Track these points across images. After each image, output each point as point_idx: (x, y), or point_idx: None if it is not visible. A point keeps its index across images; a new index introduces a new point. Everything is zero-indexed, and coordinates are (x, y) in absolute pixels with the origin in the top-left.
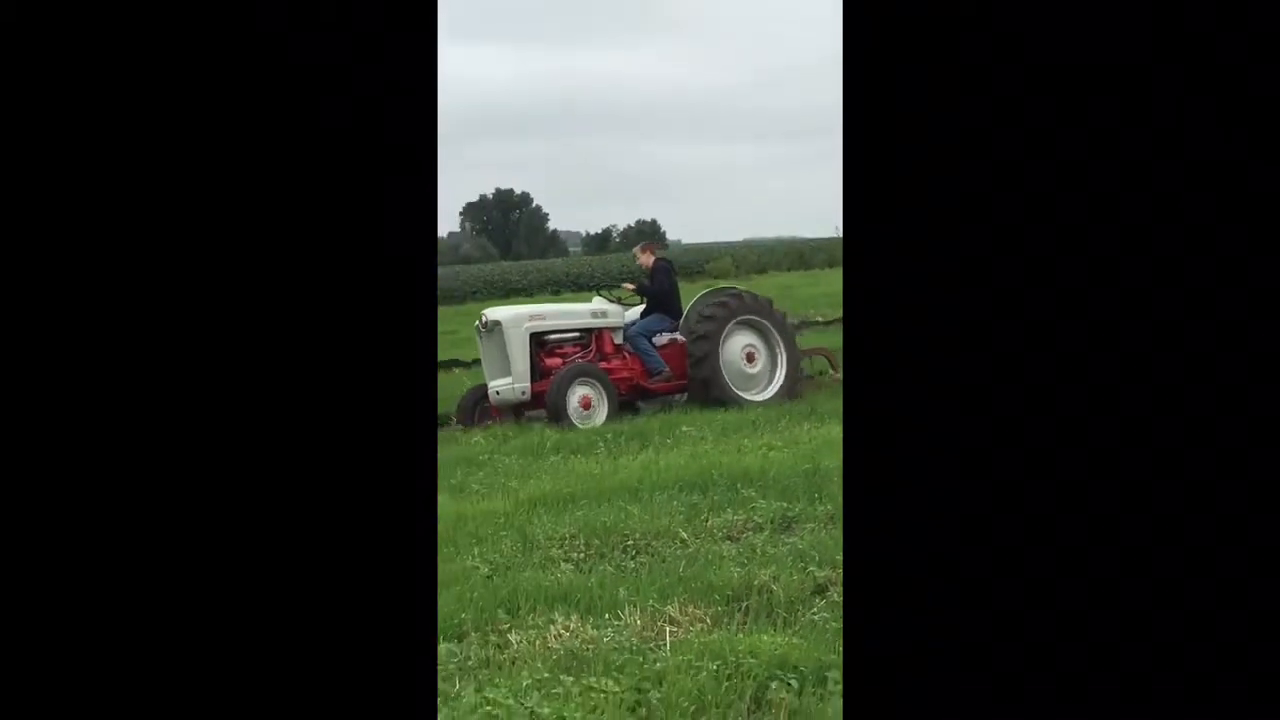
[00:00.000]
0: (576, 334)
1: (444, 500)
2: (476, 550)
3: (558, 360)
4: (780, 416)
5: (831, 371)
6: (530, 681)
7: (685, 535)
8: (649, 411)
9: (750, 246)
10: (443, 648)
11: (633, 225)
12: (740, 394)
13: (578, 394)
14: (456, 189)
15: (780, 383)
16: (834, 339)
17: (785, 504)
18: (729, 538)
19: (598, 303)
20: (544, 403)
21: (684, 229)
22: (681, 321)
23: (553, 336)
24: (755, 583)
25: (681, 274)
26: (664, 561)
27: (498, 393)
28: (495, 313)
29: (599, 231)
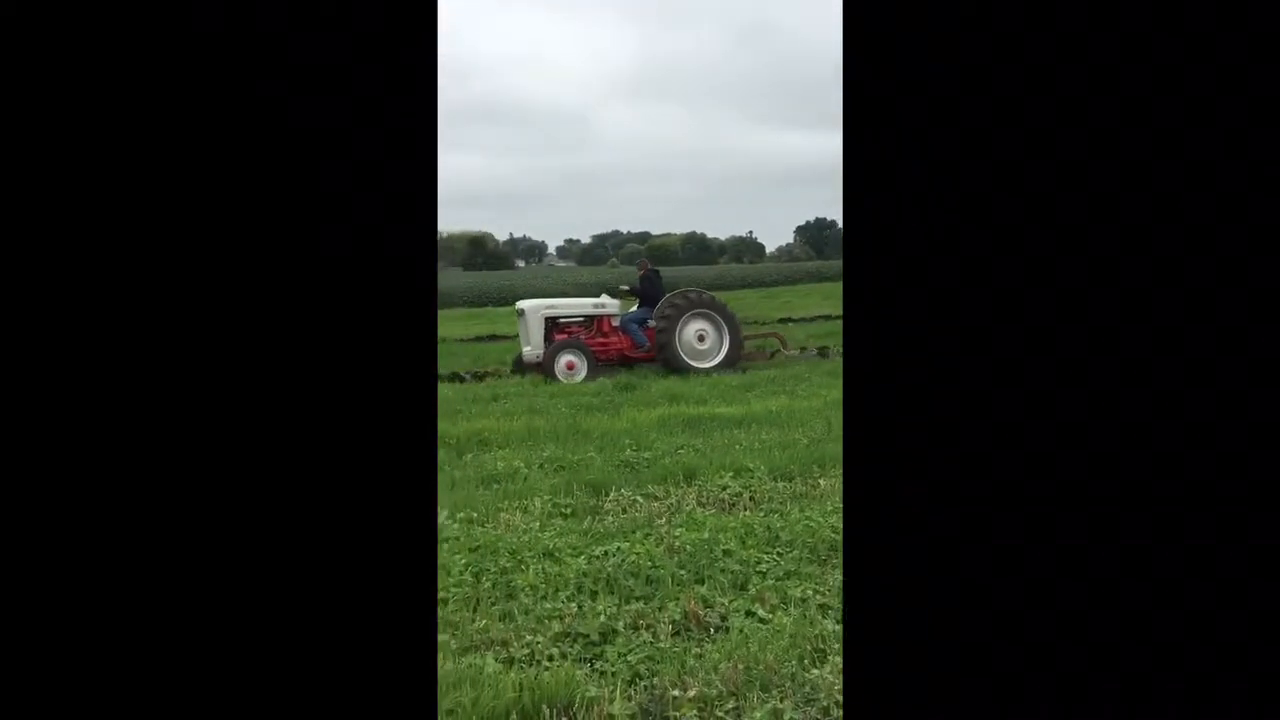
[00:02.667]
0: (582, 319)
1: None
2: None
3: (564, 336)
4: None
5: (782, 349)
6: None
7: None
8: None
9: None
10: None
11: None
12: (692, 364)
13: (564, 360)
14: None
15: (722, 356)
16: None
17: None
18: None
19: (603, 298)
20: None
21: None
22: (654, 312)
23: (563, 320)
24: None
25: None
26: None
27: (523, 356)
28: (523, 304)
29: None
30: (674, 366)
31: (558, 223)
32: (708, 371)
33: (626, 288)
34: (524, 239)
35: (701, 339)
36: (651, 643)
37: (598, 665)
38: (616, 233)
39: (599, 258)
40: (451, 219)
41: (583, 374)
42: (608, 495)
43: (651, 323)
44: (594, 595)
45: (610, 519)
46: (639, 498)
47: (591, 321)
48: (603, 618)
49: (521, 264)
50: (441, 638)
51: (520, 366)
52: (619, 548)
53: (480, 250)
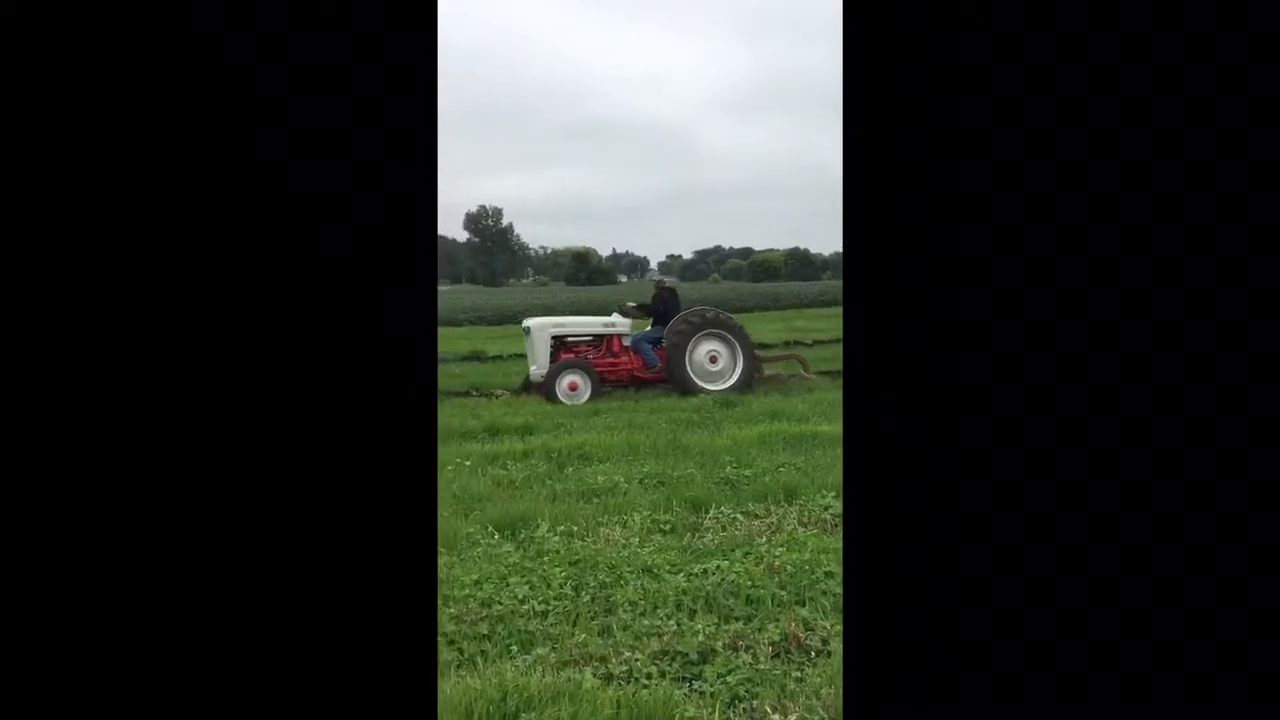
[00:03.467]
0: (590, 338)
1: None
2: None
3: (572, 355)
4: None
5: (804, 372)
6: None
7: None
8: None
9: None
10: None
11: None
12: (703, 385)
13: (566, 380)
14: None
15: (736, 378)
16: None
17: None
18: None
19: (613, 316)
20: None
21: None
22: (665, 331)
23: (570, 339)
24: None
25: None
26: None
27: (530, 376)
28: (530, 321)
29: None
30: (684, 388)
31: (661, 238)
32: (719, 394)
33: (635, 305)
34: (627, 254)
35: (714, 360)
36: (751, 664)
37: (696, 685)
38: (719, 248)
39: (701, 273)
40: (557, 235)
41: (586, 395)
42: (707, 512)
43: (664, 342)
44: (693, 614)
45: (710, 536)
46: (739, 516)
47: (600, 341)
48: (701, 637)
49: (624, 279)
50: (540, 650)
51: (528, 386)
52: (718, 566)
53: (584, 265)
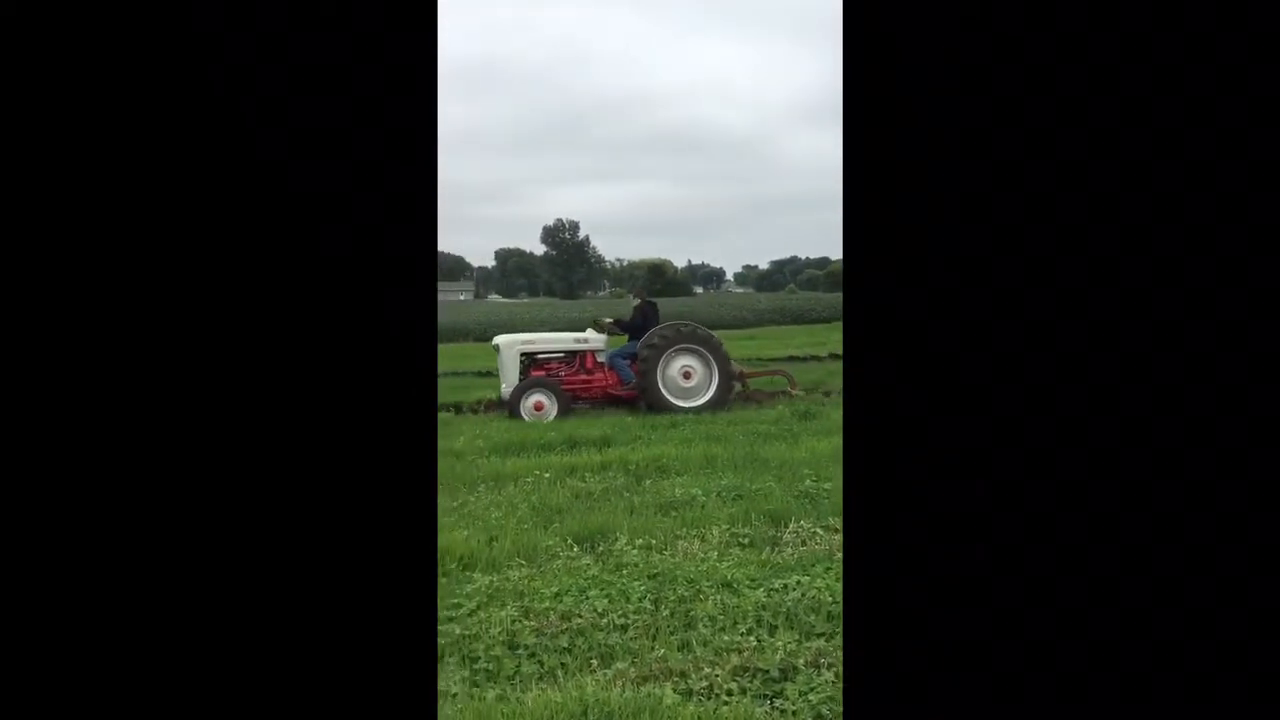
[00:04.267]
0: (562, 354)
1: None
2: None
3: (542, 373)
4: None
5: (790, 389)
6: None
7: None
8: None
9: None
10: None
11: None
12: (675, 402)
13: (532, 400)
14: None
15: (710, 395)
16: None
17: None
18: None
19: (588, 333)
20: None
21: None
22: (638, 346)
23: (541, 356)
24: None
25: None
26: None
27: (502, 394)
28: (500, 339)
29: None
30: (655, 405)
31: (736, 249)
32: (692, 411)
33: (611, 320)
34: (703, 265)
35: (687, 376)
36: (834, 683)
37: (778, 703)
38: (795, 258)
39: (777, 283)
40: (633, 247)
41: (553, 414)
42: (787, 526)
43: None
44: (773, 629)
45: (789, 550)
46: (819, 530)
47: (573, 357)
48: (782, 653)
49: (699, 290)
50: (620, 665)
51: (502, 403)
52: (799, 581)
53: (659, 277)
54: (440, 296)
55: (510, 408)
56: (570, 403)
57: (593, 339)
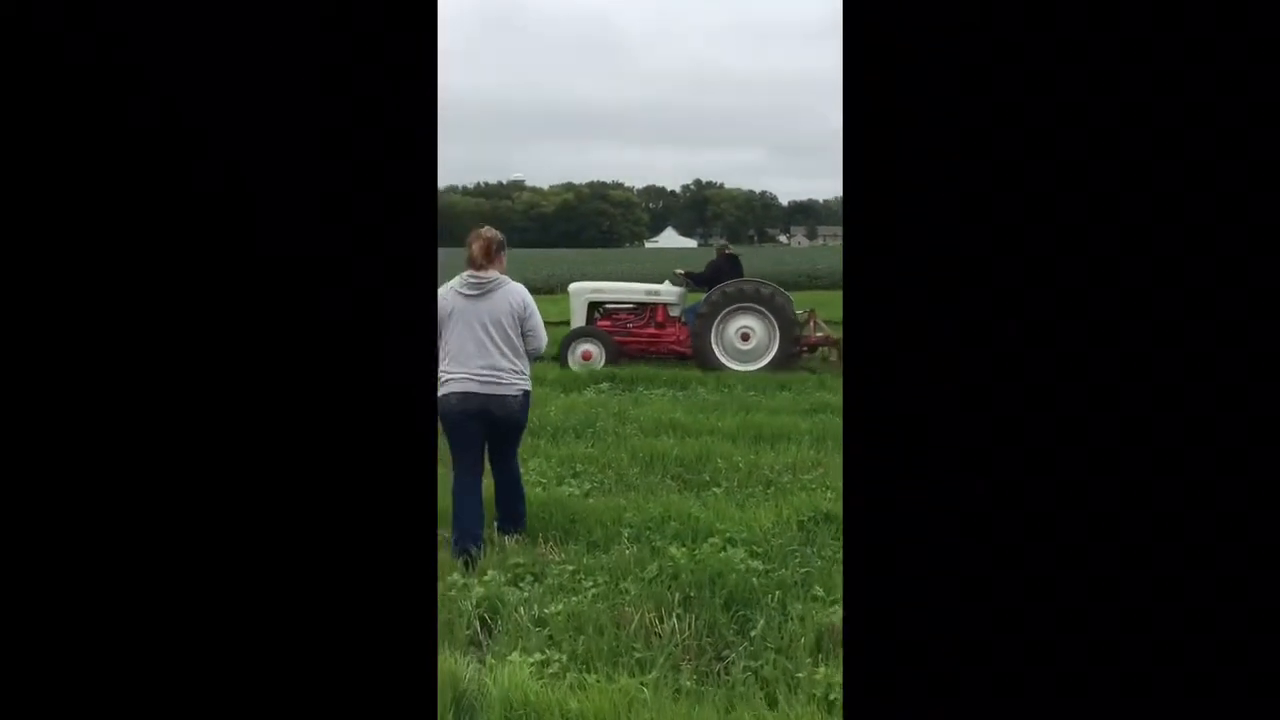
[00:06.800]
0: (632, 305)
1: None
2: None
3: (608, 323)
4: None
5: (833, 359)
6: None
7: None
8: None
9: None
10: None
11: None
12: (728, 364)
13: (580, 350)
14: None
15: (771, 358)
16: None
17: None
18: None
19: (665, 285)
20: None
21: None
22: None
23: (609, 305)
24: None
25: None
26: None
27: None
28: (572, 286)
29: None
30: (707, 365)
31: None
32: (748, 375)
33: (684, 271)
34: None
35: (746, 337)
36: None
37: None
38: None
39: None
40: None
41: (601, 362)
42: None
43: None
44: None
45: None
46: None
47: (643, 309)
48: None
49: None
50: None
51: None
52: None
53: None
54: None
55: (561, 358)
56: (620, 352)
57: (664, 292)
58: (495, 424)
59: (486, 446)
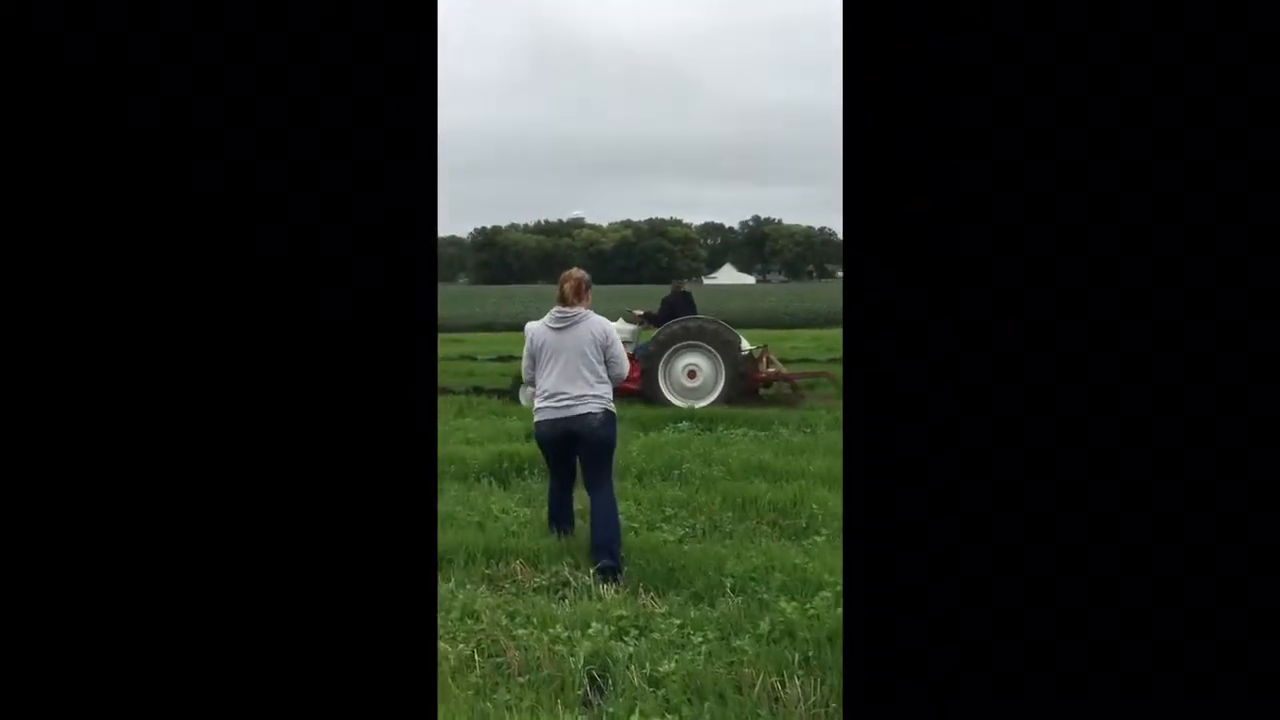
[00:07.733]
0: None
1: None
2: None
3: None
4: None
5: (790, 393)
6: None
7: None
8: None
9: None
10: None
11: None
12: (675, 401)
13: (530, 390)
14: None
15: (716, 395)
16: None
17: None
18: None
19: (619, 323)
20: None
21: None
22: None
23: None
24: None
25: None
26: None
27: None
28: (528, 325)
29: None
30: (657, 402)
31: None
32: (695, 409)
33: (641, 312)
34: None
35: (692, 375)
36: None
37: None
38: None
39: None
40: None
41: None
42: None
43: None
44: None
45: None
46: None
47: None
48: None
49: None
50: None
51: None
52: None
53: None
54: None
55: (513, 394)
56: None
57: (620, 330)
58: (580, 440)
59: (579, 464)
